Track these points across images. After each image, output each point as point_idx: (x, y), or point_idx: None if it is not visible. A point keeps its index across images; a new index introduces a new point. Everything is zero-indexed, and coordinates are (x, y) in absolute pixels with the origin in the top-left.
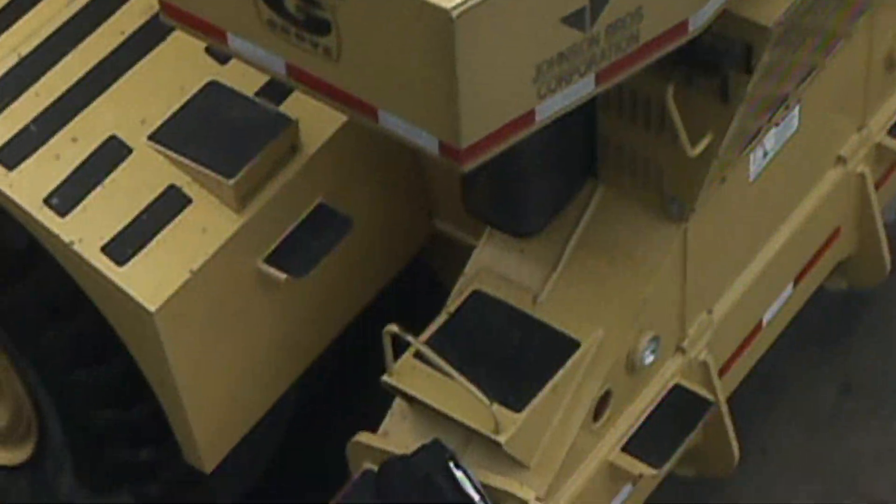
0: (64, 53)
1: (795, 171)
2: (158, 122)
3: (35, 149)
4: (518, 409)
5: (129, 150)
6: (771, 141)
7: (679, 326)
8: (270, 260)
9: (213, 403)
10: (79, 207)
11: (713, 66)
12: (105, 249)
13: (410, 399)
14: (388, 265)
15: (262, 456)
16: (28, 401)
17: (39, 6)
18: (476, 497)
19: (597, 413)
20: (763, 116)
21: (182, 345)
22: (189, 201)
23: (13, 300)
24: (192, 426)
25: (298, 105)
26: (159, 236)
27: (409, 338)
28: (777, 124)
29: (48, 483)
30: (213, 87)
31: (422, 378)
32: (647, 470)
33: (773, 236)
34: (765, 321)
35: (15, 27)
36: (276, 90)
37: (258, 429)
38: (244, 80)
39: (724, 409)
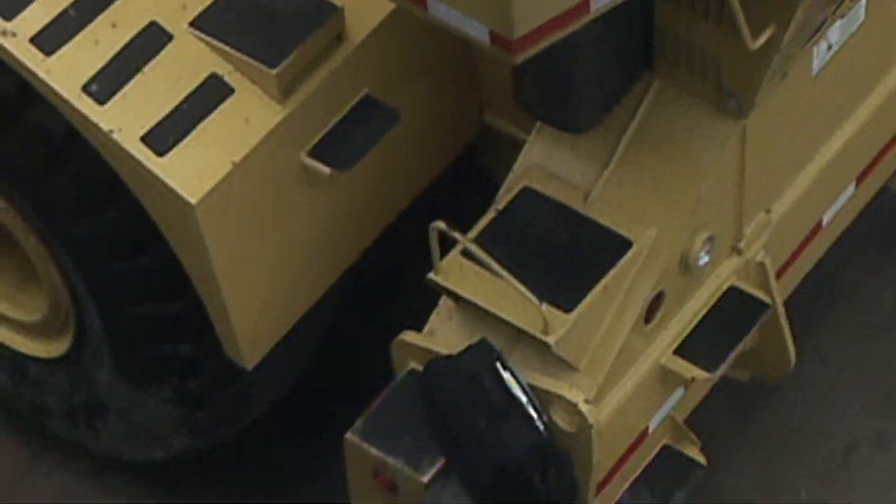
0: None
1: (860, 66)
2: (200, 9)
3: (73, 34)
4: (568, 310)
5: (170, 37)
6: (835, 34)
7: (736, 226)
8: (314, 153)
9: (255, 299)
10: (118, 95)
11: None
12: (145, 139)
13: (457, 298)
14: (435, 160)
15: (304, 354)
16: (66, 292)
17: None
18: (523, 399)
19: (648, 315)
20: (827, 7)
21: (223, 238)
22: (231, 91)
23: (51, 189)
24: (233, 321)
25: None
26: (200, 126)
27: (457, 235)
28: (842, 16)
29: (87, 376)
30: None
31: (469, 276)
32: (699, 373)
33: (836, 133)
34: (825, 222)
35: None
36: None
37: (300, 326)
38: None
39: (781, 311)
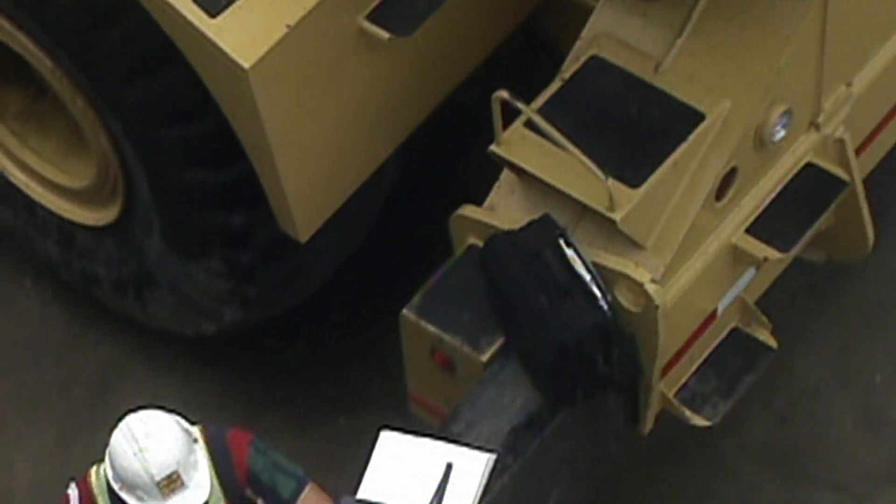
0: None
1: None
2: None
3: None
4: (635, 185)
5: None
6: None
7: (814, 100)
8: (373, 17)
9: (309, 169)
10: None
11: None
12: None
13: (519, 171)
14: (498, 27)
15: (360, 228)
16: (114, 158)
17: None
18: (586, 277)
19: (720, 191)
20: None
21: (277, 104)
22: None
23: (99, 50)
24: (287, 192)
25: None
26: None
27: (520, 105)
28: None
29: (136, 245)
30: None
31: (532, 148)
32: (772, 253)
33: None
34: None
35: None
36: None
37: (356, 199)
38: None
39: (860, 189)
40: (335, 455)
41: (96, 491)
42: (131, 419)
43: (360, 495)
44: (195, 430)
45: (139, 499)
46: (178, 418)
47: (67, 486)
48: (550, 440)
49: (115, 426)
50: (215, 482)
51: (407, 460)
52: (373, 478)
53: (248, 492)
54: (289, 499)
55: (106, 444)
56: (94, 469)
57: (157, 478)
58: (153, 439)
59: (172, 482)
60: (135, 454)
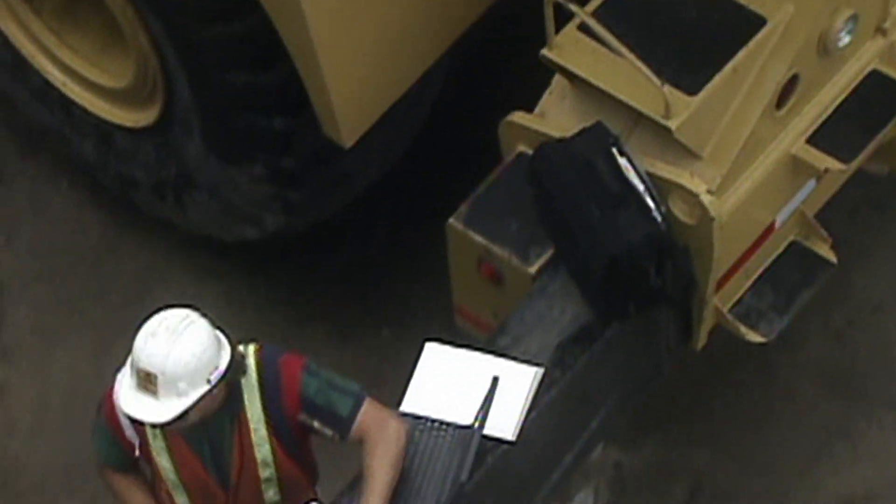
0: None
1: None
2: None
3: None
4: (692, 92)
5: None
6: None
7: (881, 4)
8: None
9: (354, 71)
10: None
11: None
12: None
13: (571, 76)
14: None
15: (405, 134)
16: (154, 58)
17: None
18: (640, 186)
19: (781, 100)
20: None
21: (322, 2)
22: None
23: None
24: (332, 95)
25: None
26: None
27: (574, 7)
28: None
29: (175, 148)
30: None
31: (586, 53)
32: (834, 164)
33: None
34: None
35: None
36: None
37: (402, 104)
38: None
39: None
40: (378, 367)
41: None
42: (183, 309)
43: (404, 408)
44: (251, 353)
45: (130, 374)
46: (224, 341)
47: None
48: (600, 355)
49: None
50: (258, 405)
51: (452, 373)
52: (417, 391)
53: (303, 417)
54: (348, 416)
55: None
56: None
57: (138, 365)
58: (169, 333)
59: (146, 382)
60: (148, 332)
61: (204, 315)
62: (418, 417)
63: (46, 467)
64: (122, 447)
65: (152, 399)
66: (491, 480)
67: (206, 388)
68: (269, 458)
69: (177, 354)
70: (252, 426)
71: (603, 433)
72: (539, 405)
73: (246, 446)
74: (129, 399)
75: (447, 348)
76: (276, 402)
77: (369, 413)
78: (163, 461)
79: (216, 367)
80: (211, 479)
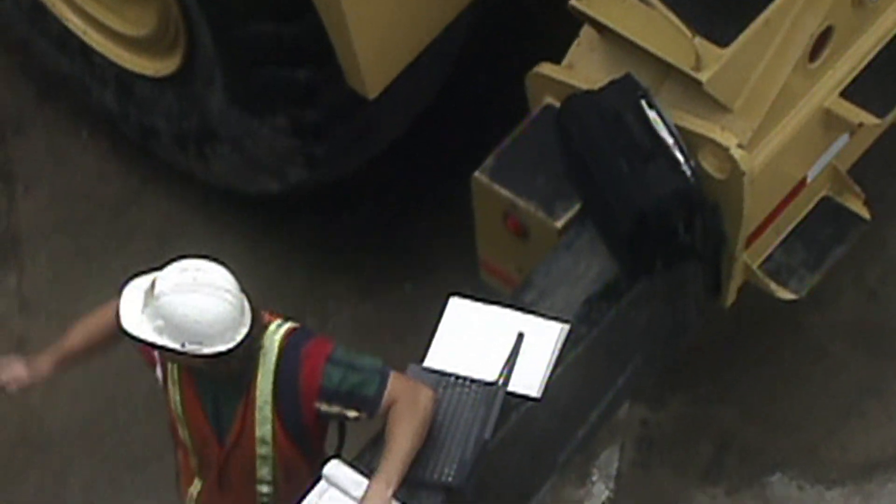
0: None
1: None
2: None
3: None
4: (724, 44)
5: None
6: None
7: None
8: None
9: (379, 22)
10: None
11: None
12: None
13: (600, 27)
14: None
15: (430, 87)
16: (176, 6)
17: None
18: (669, 140)
19: (814, 52)
20: None
21: None
22: None
23: None
24: (356, 46)
25: None
26: None
27: None
28: None
29: (197, 99)
30: None
31: (615, 4)
32: (868, 118)
33: None
34: None
35: None
36: None
37: (427, 55)
38: None
39: None
40: (401, 322)
41: None
42: (222, 274)
43: (428, 364)
44: (280, 334)
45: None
46: (243, 323)
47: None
48: (627, 311)
49: None
50: (268, 387)
51: (477, 328)
52: (440, 346)
53: (321, 405)
54: (375, 395)
55: None
56: None
57: (157, 303)
58: (196, 290)
59: (151, 297)
60: (179, 267)
61: (242, 291)
62: (442, 373)
63: (65, 421)
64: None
65: (145, 318)
66: (515, 438)
67: (182, 349)
68: (269, 437)
69: (192, 314)
70: (258, 404)
71: (629, 390)
72: (564, 361)
73: (248, 420)
74: (130, 295)
75: (471, 303)
76: (290, 390)
77: (396, 386)
78: (174, 393)
79: (213, 346)
80: (209, 431)
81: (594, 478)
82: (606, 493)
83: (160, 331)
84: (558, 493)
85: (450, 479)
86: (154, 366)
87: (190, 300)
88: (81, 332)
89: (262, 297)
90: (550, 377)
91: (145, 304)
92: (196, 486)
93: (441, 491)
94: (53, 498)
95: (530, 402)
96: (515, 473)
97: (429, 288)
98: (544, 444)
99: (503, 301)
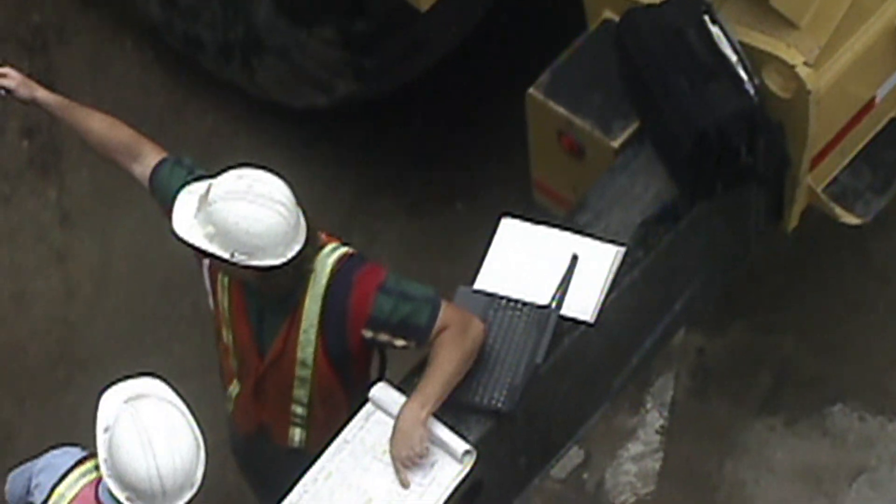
0: None
1: None
2: None
3: None
4: None
5: None
6: None
7: None
8: None
9: None
10: None
11: None
12: None
13: None
14: None
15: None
16: None
17: None
18: (733, 58)
19: None
20: None
21: None
22: None
23: None
24: None
25: None
26: None
27: None
28: None
29: (243, 8)
30: None
31: None
32: None
33: None
34: None
35: None
36: None
37: None
38: None
39: None
40: (451, 242)
41: None
42: (281, 190)
43: (478, 286)
44: (333, 258)
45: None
46: (297, 239)
47: None
48: (685, 234)
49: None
50: (315, 312)
51: (529, 250)
52: (491, 268)
53: (368, 333)
54: (426, 325)
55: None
56: None
57: (209, 209)
58: (253, 203)
59: (205, 203)
60: (236, 175)
61: (301, 208)
62: (492, 296)
63: (106, 336)
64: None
65: (197, 223)
66: (567, 363)
67: (231, 259)
68: (310, 361)
69: (243, 224)
70: (303, 326)
71: (686, 317)
72: (619, 286)
73: (291, 340)
74: (185, 199)
75: (524, 224)
76: (338, 316)
77: (448, 315)
78: (223, 298)
79: (262, 259)
80: (251, 342)
81: (648, 406)
82: (660, 421)
83: (210, 238)
84: (610, 422)
85: (499, 404)
86: (202, 265)
87: (242, 209)
88: (104, 124)
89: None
90: (604, 301)
91: (199, 209)
92: (235, 388)
93: (490, 416)
94: (92, 415)
95: (583, 327)
96: (567, 400)
97: (480, 207)
98: (597, 370)
99: (557, 222)
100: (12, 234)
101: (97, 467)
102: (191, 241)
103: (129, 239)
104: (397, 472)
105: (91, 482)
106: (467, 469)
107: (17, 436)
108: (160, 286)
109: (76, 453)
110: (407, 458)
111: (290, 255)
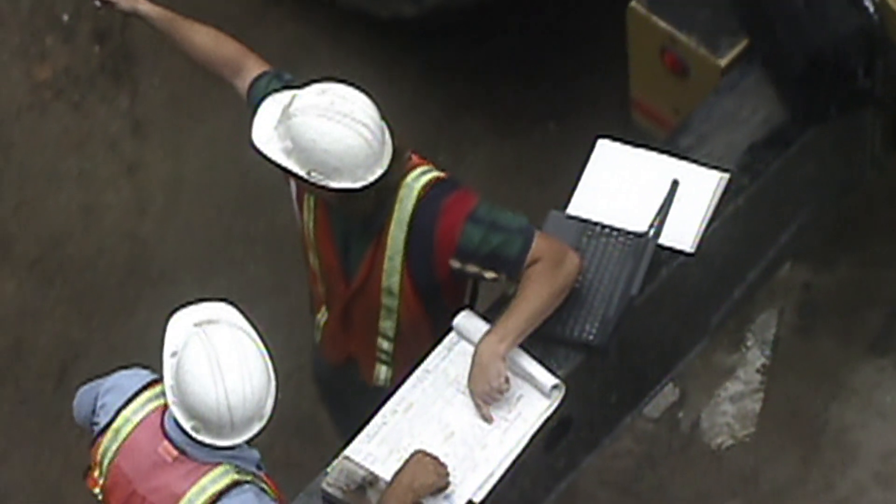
0: None
1: None
2: None
3: None
4: None
5: None
6: None
7: None
8: None
9: None
10: None
11: None
12: None
13: None
14: None
15: None
16: None
17: None
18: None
19: None
20: None
21: None
22: None
23: None
24: None
25: None
26: None
27: None
28: None
29: None
30: None
31: None
32: None
33: None
34: None
35: None
36: None
37: None
38: None
39: None
40: (543, 164)
41: None
42: (366, 106)
43: (571, 211)
44: (421, 183)
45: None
46: (381, 159)
47: None
48: (794, 161)
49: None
50: (401, 239)
51: (626, 174)
52: (586, 192)
53: (456, 264)
54: (517, 257)
55: None
56: None
57: (289, 123)
58: (336, 117)
59: (286, 115)
60: (320, 89)
61: (388, 129)
62: (586, 222)
63: (178, 253)
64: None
65: (276, 135)
66: (664, 296)
67: (308, 178)
68: (396, 289)
69: (321, 142)
70: (388, 253)
71: (792, 249)
72: (722, 214)
73: (376, 267)
74: (268, 108)
75: (621, 146)
76: (424, 245)
77: (541, 246)
78: (308, 218)
79: (339, 181)
80: (337, 266)
81: (749, 343)
82: (762, 360)
83: (288, 153)
84: (708, 359)
85: (591, 337)
86: (288, 182)
87: (321, 126)
88: (209, 38)
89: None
90: (706, 231)
91: (280, 121)
92: (323, 315)
93: (581, 350)
94: (162, 334)
95: (683, 258)
96: (662, 335)
97: (575, 128)
98: (696, 303)
99: (656, 145)
100: (81, 143)
101: (165, 392)
102: (268, 153)
103: (203, 151)
104: (478, 407)
105: (158, 408)
106: (555, 405)
107: (85, 355)
108: (235, 202)
109: (145, 376)
110: (484, 394)
111: (371, 178)
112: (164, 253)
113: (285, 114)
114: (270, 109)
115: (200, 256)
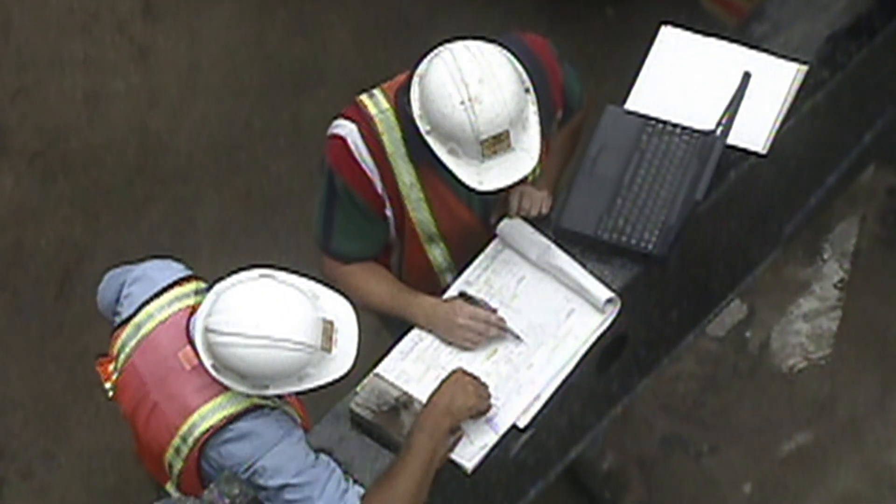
0: None
1: None
2: None
3: None
4: None
5: None
6: None
7: None
8: None
9: None
10: None
11: None
12: None
13: None
14: None
15: None
16: None
17: None
18: None
19: None
20: None
21: None
22: None
23: None
24: None
25: None
26: None
27: None
28: None
29: None
30: None
31: None
32: None
33: None
34: None
35: None
36: None
37: None
38: None
39: None
40: (600, 54)
41: (380, 127)
42: (462, 53)
43: (630, 105)
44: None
45: (451, 151)
46: (510, 56)
47: (332, 127)
48: (880, 52)
49: (431, 50)
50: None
51: (692, 66)
52: (647, 85)
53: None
54: (579, 101)
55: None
56: (366, 98)
57: (483, 136)
58: (488, 88)
59: (498, 143)
60: (463, 103)
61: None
62: (647, 118)
63: (193, 148)
64: (370, 219)
65: (510, 154)
66: (732, 201)
67: (531, 98)
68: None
69: (506, 94)
70: None
71: (876, 151)
72: (799, 111)
73: None
74: (478, 172)
75: (687, 34)
76: (546, 97)
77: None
78: (421, 214)
79: (521, 76)
80: (475, 220)
81: (826, 255)
82: (840, 274)
83: (524, 122)
84: (780, 272)
85: (650, 246)
86: (382, 208)
87: (497, 91)
88: None
89: (427, 25)
90: (780, 129)
91: (508, 143)
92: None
93: (639, 261)
94: (174, 237)
95: (753, 159)
96: (729, 245)
97: (636, 14)
98: (767, 211)
99: (726, 34)
100: (87, 24)
101: (196, 292)
102: (537, 149)
103: (220, 36)
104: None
105: (186, 308)
106: (609, 320)
107: (89, 259)
108: (255, 92)
109: (178, 270)
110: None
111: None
112: (176, 148)
113: (483, 140)
114: (447, 160)
115: (217, 152)
